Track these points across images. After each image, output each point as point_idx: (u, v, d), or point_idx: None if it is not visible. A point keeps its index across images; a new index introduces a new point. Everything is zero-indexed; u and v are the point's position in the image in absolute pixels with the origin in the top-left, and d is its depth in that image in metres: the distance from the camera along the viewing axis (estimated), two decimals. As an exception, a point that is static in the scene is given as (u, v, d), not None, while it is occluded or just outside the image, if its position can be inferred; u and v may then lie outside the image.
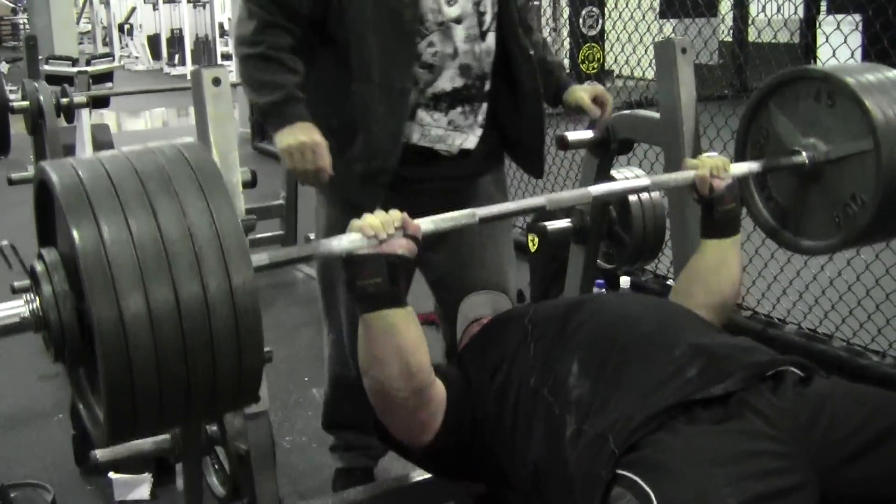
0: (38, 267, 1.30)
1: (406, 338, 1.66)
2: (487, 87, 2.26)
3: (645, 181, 2.01)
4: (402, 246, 1.63)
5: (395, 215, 1.65)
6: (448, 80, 2.18)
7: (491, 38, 2.22)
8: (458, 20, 2.15)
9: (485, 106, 2.27)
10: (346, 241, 1.61)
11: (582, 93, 2.35)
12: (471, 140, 2.26)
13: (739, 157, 2.25)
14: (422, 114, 2.19)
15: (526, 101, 2.29)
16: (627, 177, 2.40)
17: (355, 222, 1.64)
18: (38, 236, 1.43)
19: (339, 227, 2.35)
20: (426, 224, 1.70)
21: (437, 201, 1.96)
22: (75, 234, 1.18)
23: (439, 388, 1.77)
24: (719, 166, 1.98)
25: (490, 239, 2.40)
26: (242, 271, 1.24)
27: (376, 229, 1.61)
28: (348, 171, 2.16)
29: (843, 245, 2.12)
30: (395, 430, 1.79)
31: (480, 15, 2.18)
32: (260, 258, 1.47)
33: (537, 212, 1.99)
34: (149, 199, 1.23)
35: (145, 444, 2.06)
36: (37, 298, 1.29)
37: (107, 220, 1.19)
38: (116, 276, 1.17)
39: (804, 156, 2.09)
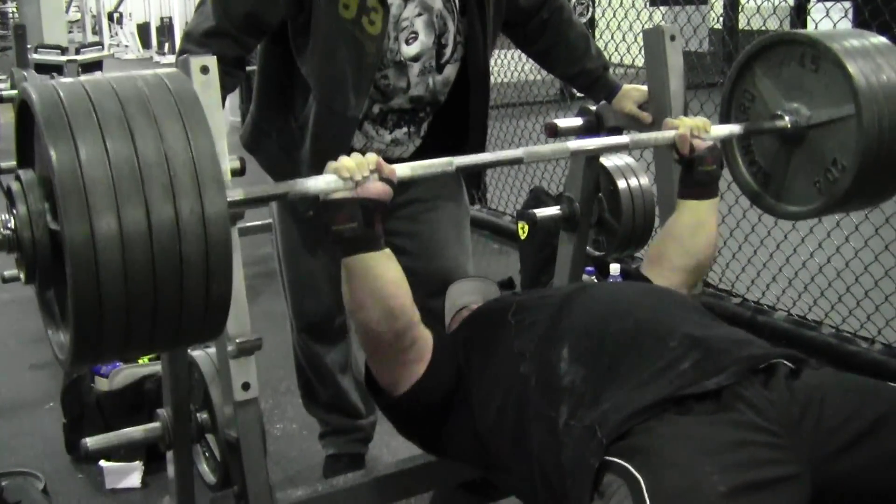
0: (15, 187, 1.30)
1: (385, 280, 1.67)
2: (437, 108, 2.29)
3: (625, 139, 1.99)
4: (377, 189, 1.64)
5: (371, 158, 1.65)
6: (397, 105, 2.23)
7: (450, 69, 2.23)
8: (416, 58, 2.17)
9: (429, 120, 2.31)
10: (322, 182, 1.61)
11: (630, 104, 2.33)
12: (409, 150, 2.32)
13: (724, 120, 2.23)
14: (367, 126, 2.24)
15: (473, 128, 2.31)
16: (617, 164, 2.40)
17: (331, 164, 1.64)
18: (17, 158, 1.43)
19: (288, 230, 2.41)
20: (402, 170, 1.70)
21: None
22: (51, 151, 1.17)
23: (424, 333, 1.78)
24: (699, 126, 1.99)
25: (454, 227, 2.46)
26: (215, 198, 1.24)
27: (351, 171, 1.61)
28: (294, 169, 2.19)
29: (823, 211, 2.10)
30: (380, 373, 1.80)
31: (441, 48, 2.19)
32: (235, 192, 1.47)
33: (515, 164, 1.97)
34: (127, 121, 1.22)
35: (136, 432, 2.06)
36: (11, 218, 1.28)
37: (84, 140, 1.19)
38: (90, 194, 1.17)
39: (786, 120, 2.07)
